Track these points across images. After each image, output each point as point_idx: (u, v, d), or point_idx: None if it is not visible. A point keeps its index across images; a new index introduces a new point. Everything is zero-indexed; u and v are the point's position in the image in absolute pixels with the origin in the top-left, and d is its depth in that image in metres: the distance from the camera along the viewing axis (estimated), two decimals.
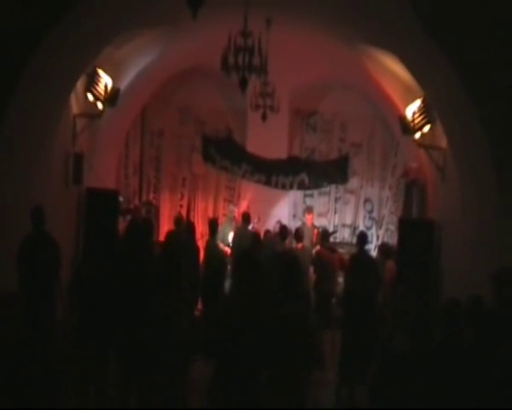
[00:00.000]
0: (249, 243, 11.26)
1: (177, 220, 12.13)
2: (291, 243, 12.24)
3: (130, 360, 7.20)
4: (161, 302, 6.49)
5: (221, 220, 14.66)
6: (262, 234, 12.84)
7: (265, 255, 9.98)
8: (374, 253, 14.74)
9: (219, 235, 12.96)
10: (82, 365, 7.71)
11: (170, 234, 10.04)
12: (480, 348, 6.10)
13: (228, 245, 13.13)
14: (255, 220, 13.61)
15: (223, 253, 12.45)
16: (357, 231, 14.01)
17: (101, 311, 7.38)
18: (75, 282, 7.79)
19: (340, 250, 13.00)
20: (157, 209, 15.59)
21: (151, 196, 16.01)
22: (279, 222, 14.28)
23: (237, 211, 14.45)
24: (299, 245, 11.66)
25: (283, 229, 12.23)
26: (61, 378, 8.39)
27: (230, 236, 13.28)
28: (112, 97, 11.73)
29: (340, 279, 11.50)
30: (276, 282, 6.07)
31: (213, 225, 12.09)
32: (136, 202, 15.31)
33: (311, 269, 11.65)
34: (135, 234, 8.12)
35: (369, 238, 15.76)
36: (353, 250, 11.78)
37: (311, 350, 6.01)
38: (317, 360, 6.32)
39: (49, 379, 8.14)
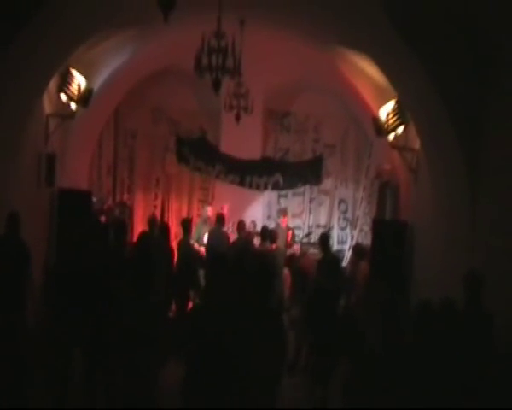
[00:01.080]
0: (222, 244, 11.30)
1: (151, 221, 12.09)
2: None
3: (98, 361, 7.23)
4: (133, 303, 6.46)
5: (195, 221, 14.64)
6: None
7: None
8: (348, 253, 14.85)
9: (194, 235, 12.95)
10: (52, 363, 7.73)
11: (142, 235, 10.02)
12: (451, 349, 6.16)
13: (203, 245, 13.12)
14: (229, 225, 13.59)
15: (195, 251, 12.43)
16: (329, 232, 14.13)
17: (73, 310, 7.38)
18: (49, 280, 7.77)
19: (314, 251, 13.02)
20: (131, 210, 15.54)
21: (125, 196, 15.94)
22: (253, 223, 14.30)
23: (211, 211, 14.43)
24: (274, 246, 11.68)
25: (264, 230, 12.23)
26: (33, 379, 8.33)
27: (206, 236, 13.27)
28: (85, 97, 11.63)
29: None
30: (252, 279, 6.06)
31: (186, 225, 12.07)
32: (110, 202, 15.22)
33: (285, 270, 11.71)
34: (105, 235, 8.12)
35: (344, 239, 15.94)
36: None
37: (283, 352, 6.01)
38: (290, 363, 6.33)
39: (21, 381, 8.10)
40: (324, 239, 10.83)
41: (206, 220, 14.11)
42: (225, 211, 14.00)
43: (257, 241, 12.64)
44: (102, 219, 12.80)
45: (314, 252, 12.86)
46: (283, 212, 15.01)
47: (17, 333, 8.15)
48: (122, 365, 6.34)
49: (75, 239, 8.71)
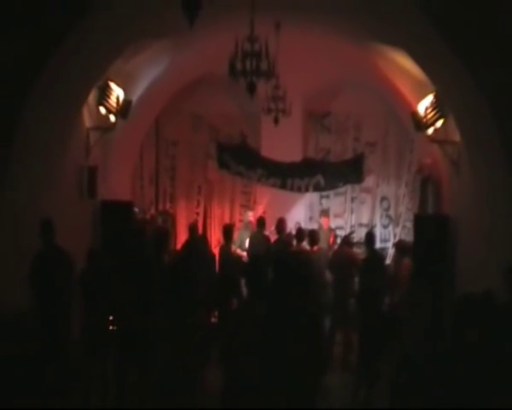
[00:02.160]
0: (263, 248, 11.30)
1: (192, 228, 12.15)
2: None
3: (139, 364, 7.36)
4: (171, 310, 6.53)
5: (238, 226, 14.68)
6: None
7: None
8: (391, 251, 14.72)
9: (236, 241, 12.97)
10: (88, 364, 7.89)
11: (185, 243, 10.09)
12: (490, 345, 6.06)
13: (245, 250, 13.15)
14: (271, 228, 13.61)
15: (237, 258, 12.46)
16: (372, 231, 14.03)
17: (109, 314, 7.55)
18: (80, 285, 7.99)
19: (358, 250, 12.95)
20: (173, 218, 15.64)
21: (167, 205, 16.07)
22: (298, 224, 14.29)
23: (253, 215, 14.46)
24: (315, 247, 11.65)
25: (299, 231, 12.22)
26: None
27: (247, 242, 13.31)
28: (124, 109, 11.81)
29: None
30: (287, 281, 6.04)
31: (227, 231, 12.13)
32: (153, 211, 15.37)
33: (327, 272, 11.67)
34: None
35: (387, 236, 15.81)
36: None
37: (321, 354, 5.97)
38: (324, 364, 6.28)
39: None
40: (370, 238, 10.74)
41: (247, 225, 14.15)
42: (261, 212, 14.00)
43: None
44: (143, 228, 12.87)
45: (358, 251, 12.79)
46: (324, 213, 14.95)
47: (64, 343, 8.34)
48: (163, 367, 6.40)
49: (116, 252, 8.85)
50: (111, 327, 8.16)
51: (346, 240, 12.19)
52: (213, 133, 15.98)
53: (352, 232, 14.85)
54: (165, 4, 4.82)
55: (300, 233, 11.93)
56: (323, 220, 14.43)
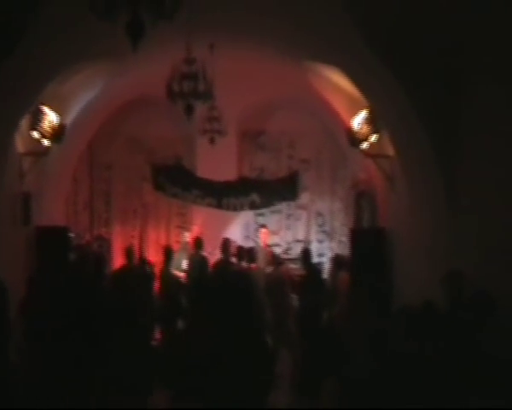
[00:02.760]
0: (201, 269, 11.32)
1: (129, 252, 12.05)
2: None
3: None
4: (116, 335, 6.46)
5: (176, 247, 14.62)
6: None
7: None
8: (327, 266, 14.88)
9: (174, 262, 12.93)
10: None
11: (122, 268, 9.99)
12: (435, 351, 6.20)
13: (183, 271, 13.11)
14: (209, 250, 13.59)
15: (177, 280, 12.42)
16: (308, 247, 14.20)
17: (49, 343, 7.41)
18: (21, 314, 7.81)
19: (294, 266, 13.06)
20: (109, 243, 15.48)
21: (102, 230, 15.90)
22: (235, 243, 14.33)
23: (190, 236, 14.45)
24: (253, 266, 11.71)
25: (240, 250, 12.26)
26: None
27: (184, 263, 13.29)
28: (58, 134, 11.59)
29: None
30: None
31: (168, 253, 12.10)
32: (88, 237, 15.17)
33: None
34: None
35: (323, 251, 15.99)
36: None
37: (270, 371, 5.99)
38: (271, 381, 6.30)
39: None
40: (306, 254, 10.90)
41: (186, 246, 14.11)
42: (197, 232, 14.01)
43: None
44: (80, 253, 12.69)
45: (295, 267, 12.90)
46: (262, 226, 14.98)
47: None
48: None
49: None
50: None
51: (278, 260, 12.27)
52: (149, 156, 15.87)
53: (288, 249, 14.94)
54: (100, 28, 4.83)
55: (241, 252, 11.98)
56: (263, 233, 14.45)
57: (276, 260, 12.23)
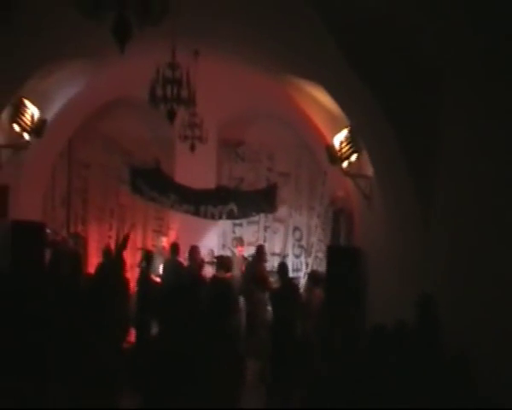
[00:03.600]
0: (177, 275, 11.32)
1: (105, 253, 12.01)
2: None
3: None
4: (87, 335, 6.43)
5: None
6: None
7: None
8: (303, 281, 14.93)
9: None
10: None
11: (100, 267, 9.97)
12: (403, 370, 6.25)
13: (158, 276, 13.09)
14: (185, 255, 13.58)
15: (154, 285, 12.39)
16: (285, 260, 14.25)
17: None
18: None
19: (270, 279, 13.07)
20: (85, 241, 15.40)
21: (79, 227, 15.80)
22: (211, 251, 14.34)
23: (166, 241, 14.42)
24: (228, 274, 11.71)
25: (219, 258, 12.26)
26: None
27: (161, 267, 13.24)
28: (38, 128, 11.55)
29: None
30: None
31: (147, 257, 12.10)
32: (64, 233, 15.08)
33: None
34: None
35: (299, 266, 16.03)
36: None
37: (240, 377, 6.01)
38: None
39: None
40: (283, 268, 10.93)
41: (161, 251, 14.09)
42: (174, 238, 13.99)
43: (211, 270, 12.68)
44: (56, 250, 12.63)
45: (271, 280, 12.91)
46: (239, 241, 15.02)
47: None
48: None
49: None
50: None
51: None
52: (127, 157, 15.79)
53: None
54: (85, 25, 4.81)
55: (220, 261, 11.98)
56: (238, 249, 14.51)
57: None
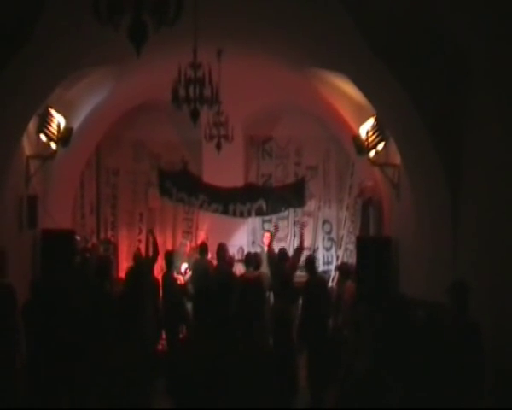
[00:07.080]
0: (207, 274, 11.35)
1: (136, 256, 12.07)
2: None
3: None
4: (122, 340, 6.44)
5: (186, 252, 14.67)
6: None
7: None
8: (334, 273, 14.85)
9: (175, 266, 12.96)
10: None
11: (131, 270, 10.00)
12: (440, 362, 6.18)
13: (181, 275, 13.16)
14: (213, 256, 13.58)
15: (180, 284, 12.44)
16: (314, 254, 14.19)
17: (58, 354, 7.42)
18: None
19: (300, 273, 13.01)
20: (115, 246, 15.53)
21: (109, 233, 15.94)
22: (241, 249, 14.31)
23: (189, 246, 14.51)
24: (258, 272, 11.67)
25: (248, 256, 12.22)
26: None
27: (183, 267, 13.36)
28: (65, 137, 11.62)
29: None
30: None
31: (168, 258, 12.15)
32: (94, 240, 15.20)
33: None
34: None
35: (329, 259, 15.96)
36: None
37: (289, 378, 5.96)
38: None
39: None
40: (311, 261, 10.87)
41: (182, 252, 14.20)
42: (203, 238, 14.03)
43: (241, 267, 12.66)
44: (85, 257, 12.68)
45: (300, 274, 12.85)
46: (266, 233, 14.89)
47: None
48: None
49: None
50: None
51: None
52: (155, 161, 15.93)
53: None
54: (107, 32, 4.82)
55: (249, 259, 11.93)
56: (265, 236, 14.31)
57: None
